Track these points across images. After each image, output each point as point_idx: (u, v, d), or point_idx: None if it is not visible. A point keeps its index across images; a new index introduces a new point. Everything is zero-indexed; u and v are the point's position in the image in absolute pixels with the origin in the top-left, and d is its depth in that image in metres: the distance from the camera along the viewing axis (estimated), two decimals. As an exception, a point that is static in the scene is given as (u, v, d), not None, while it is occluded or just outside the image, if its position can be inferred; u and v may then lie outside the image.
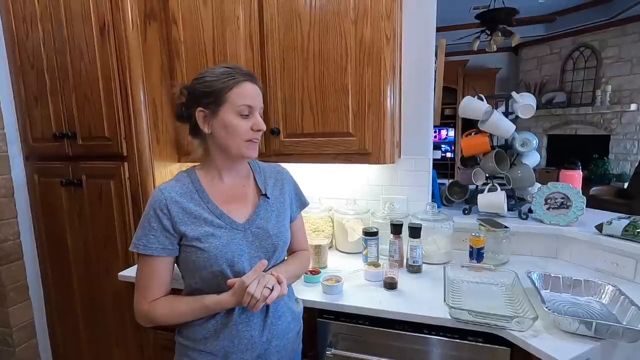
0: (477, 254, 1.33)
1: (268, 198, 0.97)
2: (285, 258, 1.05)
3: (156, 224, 0.85)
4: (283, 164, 1.28)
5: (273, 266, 0.95)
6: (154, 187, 1.48)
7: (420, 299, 1.13)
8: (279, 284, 0.83)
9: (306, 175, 1.67)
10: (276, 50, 1.36)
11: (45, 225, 1.70)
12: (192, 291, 0.90)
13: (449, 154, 6.46)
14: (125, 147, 1.44)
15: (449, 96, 6.01)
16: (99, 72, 1.42)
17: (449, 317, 1.01)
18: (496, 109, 1.58)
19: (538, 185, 1.52)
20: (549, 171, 5.29)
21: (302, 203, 1.11)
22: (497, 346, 0.98)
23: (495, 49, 4.37)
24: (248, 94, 0.87)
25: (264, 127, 0.90)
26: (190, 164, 1.46)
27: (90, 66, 1.44)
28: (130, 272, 1.40)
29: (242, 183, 0.97)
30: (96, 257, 1.59)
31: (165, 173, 1.53)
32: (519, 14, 4.08)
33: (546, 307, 0.95)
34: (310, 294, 1.19)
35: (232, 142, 0.88)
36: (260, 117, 0.91)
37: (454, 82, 6.06)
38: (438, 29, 1.48)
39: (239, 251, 0.88)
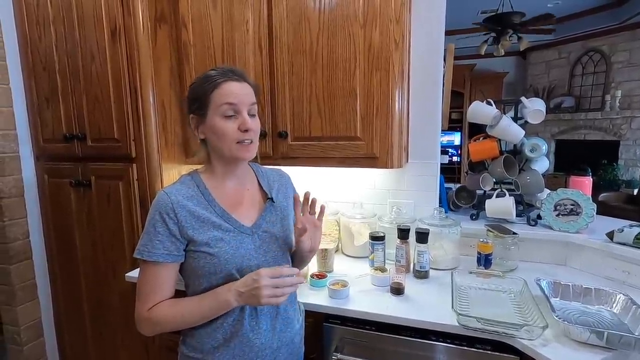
0: (485, 260, 1.32)
1: (274, 202, 0.97)
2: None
3: (162, 228, 0.81)
4: (290, 168, 1.29)
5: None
6: (162, 188, 1.49)
7: (428, 305, 1.12)
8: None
9: (313, 178, 1.67)
10: (285, 54, 1.36)
11: (54, 225, 1.72)
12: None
13: (455, 158, 6.42)
14: (134, 148, 1.45)
15: (455, 100, 5.97)
16: (110, 75, 1.44)
17: (457, 324, 1.00)
18: (505, 113, 1.57)
19: (547, 191, 1.51)
20: (556, 176, 5.24)
21: None
22: (505, 354, 0.97)
23: (503, 53, 4.34)
24: (229, 92, 0.83)
25: (250, 126, 0.84)
26: (193, 166, 1.46)
27: (101, 68, 1.46)
28: (136, 274, 1.40)
29: (246, 187, 0.96)
30: (103, 257, 1.60)
31: (173, 175, 1.54)
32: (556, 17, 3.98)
33: (556, 316, 0.94)
34: (316, 298, 1.18)
35: (223, 145, 0.85)
36: (252, 115, 0.86)
37: (461, 86, 6.03)
38: (445, 33, 1.48)
39: (248, 255, 0.86)
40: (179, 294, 0.89)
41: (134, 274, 1.40)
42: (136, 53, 1.39)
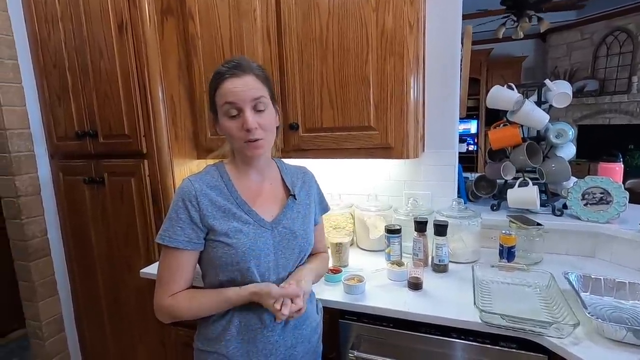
0: (507, 253, 1.26)
1: (296, 199, 0.95)
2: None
3: (184, 215, 0.82)
4: (303, 160, 1.25)
5: (297, 267, 0.93)
6: (174, 184, 1.48)
7: (448, 300, 1.08)
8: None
9: (326, 170, 1.63)
10: (294, 43, 1.31)
11: (71, 222, 1.73)
12: (216, 288, 0.88)
13: (471, 147, 6.25)
14: (144, 144, 1.44)
15: (471, 87, 5.79)
16: (118, 70, 1.42)
17: (480, 321, 0.95)
18: (527, 98, 1.49)
19: (574, 179, 1.42)
20: (579, 163, 5.04)
21: (324, 208, 1.09)
22: (532, 353, 0.92)
23: (522, 36, 4.16)
24: (228, 91, 0.81)
25: (251, 125, 0.80)
26: (204, 162, 1.43)
27: (109, 64, 1.44)
28: (151, 269, 1.40)
29: (269, 182, 0.95)
30: (118, 253, 1.61)
31: (185, 170, 1.52)
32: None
33: (589, 313, 0.88)
34: (332, 293, 1.15)
35: (234, 144, 0.86)
36: (259, 110, 0.83)
37: (477, 72, 5.83)
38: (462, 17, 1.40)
39: (265, 249, 0.85)
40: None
41: (149, 270, 1.40)
42: (143, 47, 1.37)
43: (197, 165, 1.58)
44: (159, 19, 1.39)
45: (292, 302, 0.80)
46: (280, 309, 0.77)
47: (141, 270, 1.41)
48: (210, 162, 0.97)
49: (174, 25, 1.47)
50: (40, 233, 1.71)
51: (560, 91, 1.40)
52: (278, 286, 0.82)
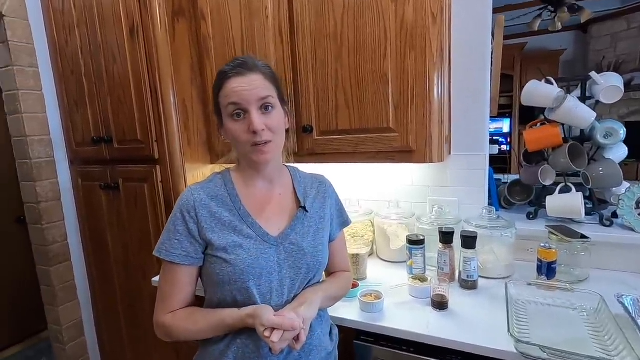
0: (547, 269, 1.11)
1: (307, 211, 0.86)
2: (323, 279, 0.94)
3: (182, 227, 0.77)
4: (319, 165, 1.17)
5: (305, 288, 0.84)
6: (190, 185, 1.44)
7: (477, 323, 0.95)
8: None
9: (343, 174, 1.54)
10: (307, 40, 1.23)
11: (89, 227, 1.74)
12: (214, 307, 0.82)
13: (504, 147, 5.92)
14: (157, 149, 1.41)
15: (503, 84, 5.47)
16: (130, 75, 1.40)
17: (515, 351, 0.82)
18: (569, 93, 1.33)
19: (626, 184, 1.25)
20: (627, 164, 4.62)
21: (344, 222, 0.99)
22: (580, 392, 0.78)
23: (560, 28, 3.87)
24: (231, 91, 0.75)
25: (257, 127, 0.73)
26: (219, 167, 1.37)
27: (122, 69, 1.42)
28: (162, 278, 1.37)
29: (278, 191, 0.86)
30: (134, 259, 1.59)
31: (198, 176, 1.48)
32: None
33: (651, 349, 0.74)
34: (347, 310, 1.06)
35: (240, 148, 0.79)
36: (267, 110, 0.76)
37: (510, 67, 5.51)
38: (492, 11, 1.26)
39: (268, 268, 0.77)
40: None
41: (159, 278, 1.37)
42: (155, 50, 1.34)
43: (210, 170, 1.54)
44: (170, 21, 1.36)
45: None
46: (271, 337, 0.67)
47: (153, 279, 1.38)
48: (209, 172, 0.91)
49: (186, 27, 1.43)
50: (60, 238, 1.73)
51: (609, 84, 1.23)
52: (276, 311, 0.74)
